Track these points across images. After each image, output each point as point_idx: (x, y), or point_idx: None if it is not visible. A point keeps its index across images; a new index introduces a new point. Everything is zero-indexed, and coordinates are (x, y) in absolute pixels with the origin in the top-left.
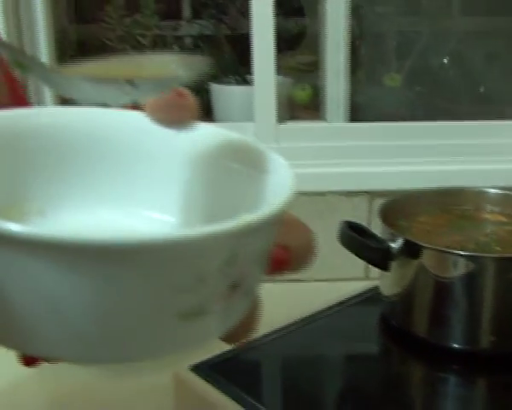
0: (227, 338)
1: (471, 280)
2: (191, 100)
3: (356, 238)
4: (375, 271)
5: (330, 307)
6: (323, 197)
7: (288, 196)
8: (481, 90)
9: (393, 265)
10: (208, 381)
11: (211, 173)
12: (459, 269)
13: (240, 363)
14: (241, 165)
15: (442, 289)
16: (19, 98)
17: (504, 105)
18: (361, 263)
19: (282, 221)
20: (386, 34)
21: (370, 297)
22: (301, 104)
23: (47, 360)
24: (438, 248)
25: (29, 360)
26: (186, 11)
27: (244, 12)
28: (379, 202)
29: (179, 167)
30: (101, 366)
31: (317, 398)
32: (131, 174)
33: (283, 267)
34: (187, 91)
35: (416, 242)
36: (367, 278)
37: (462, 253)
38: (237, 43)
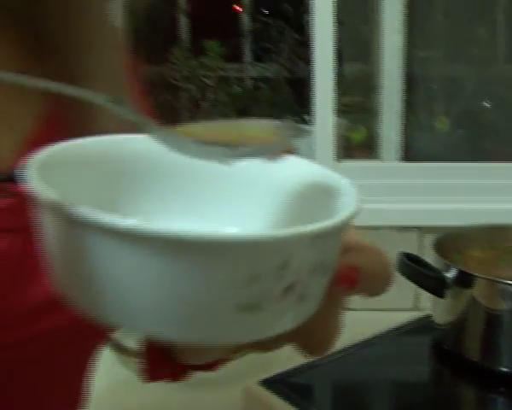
0: (306, 348)
1: None
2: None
3: (414, 267)
4: (423, 302)
5: (383, 334)
6: (377, 231)
7: (351, 213)
8: None
9: (447, 293)
10: (277, 395)
11: (294, 201)
12: (509, 298)
13: (304, 380)
14: (320, 193)
15: (493, 318)
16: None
17: None
18: (410, 294)
19: (342, 235)
20: (436, 79)
21: (421, 326)
22: (355, 144)
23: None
24: (490, 277)
25: (154, 376)
26: (248, 55)
27: (302, 57)
28: (428, 237)
29: (269, 195)
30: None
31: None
32: (227, 198)
33: (351, 286)
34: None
35: (470, 272)
36: (416, 308)
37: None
38: (295, 85)
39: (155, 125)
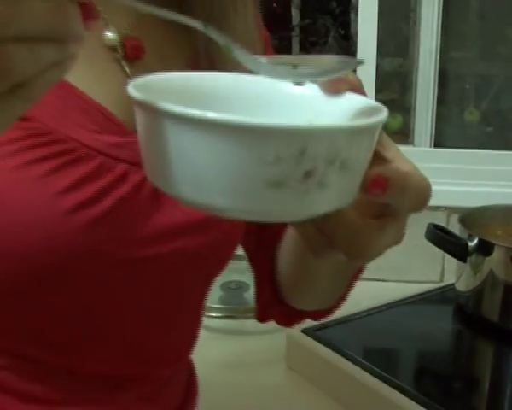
0: (350, 254)
1: None
2: (351, 78)
3: (441, 235)
4: (449, 276)
5: (411, 297)
6: None
7: (366, 123)
8: None
9: (469, 260)
10: (316, 340)
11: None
12: None
13: (339, 330)
14: (360, 115)
15: (510, 282)
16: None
17: None
18: (438, 268)
19: (364, 141)
20: (468, 76)
21: (446, 293)
22: (392, 131)
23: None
24: (506, 245)
25: (263, 316)
26: (296, 47)
27: (347, 51)
28: (455, 216)
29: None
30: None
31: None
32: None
33: (380, 191)
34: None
35: (489, 240)
36: (441, 281)
37: None
38: None
39: (239, 48)
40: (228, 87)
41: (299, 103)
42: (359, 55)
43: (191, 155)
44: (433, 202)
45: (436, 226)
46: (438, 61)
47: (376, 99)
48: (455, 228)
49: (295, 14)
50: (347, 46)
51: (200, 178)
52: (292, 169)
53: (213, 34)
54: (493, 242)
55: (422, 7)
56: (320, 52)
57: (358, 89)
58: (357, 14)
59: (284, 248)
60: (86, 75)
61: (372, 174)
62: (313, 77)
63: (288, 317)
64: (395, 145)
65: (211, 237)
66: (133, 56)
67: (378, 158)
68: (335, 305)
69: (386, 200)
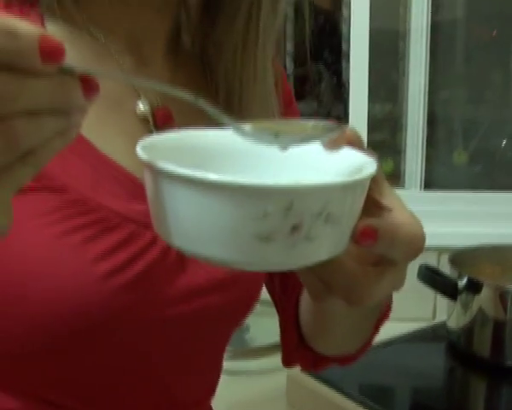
0: (348, 300)
1: None
2: (348, 133)
3: (432, 275)
4: (441, 314)
5: (404, 336)
6: None
7: (349, 181)
8: None
9: (459, 298)
10: (314, 377)
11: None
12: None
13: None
14: (352, 169)
15: (499, 319)
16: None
17: None
18: (430, 306)
19: (351, 196)
20: (456, 118)
21: (438, 330)
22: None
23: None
24: (496, 283)
25: (288, 361)
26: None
27: (338, 97)
28: (445, 256)
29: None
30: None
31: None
32: (277, 171)
33: (369, 243)
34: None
35: (478, 279)
36: (434, 319)
37: None
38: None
39: (227, 117)
40: (220, 143)
41: (288, 158)
42: (352, 101)
43: (185, 210)
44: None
45: (427, 267)
46: (426, 106)
47: (368, 142)
48: (445, 267)
49: (289, 62)
50: (340, 93)
51: (194, 231)
52: (279, 224)
53: (203, 105)
54: (482, 280)
55: (411, 54)
56: (316, 97)
57: (355, 142)
58: (348, 62)
59: (304, 295)
60: (118, 145)
61: (361, 226)
62: (296, 143)
63: (312, 362)
64: (394, 193)
65: (231, 295)
66: (163, 125)
67: (375, 206)
68: (361, 350)
69: (377, 250)
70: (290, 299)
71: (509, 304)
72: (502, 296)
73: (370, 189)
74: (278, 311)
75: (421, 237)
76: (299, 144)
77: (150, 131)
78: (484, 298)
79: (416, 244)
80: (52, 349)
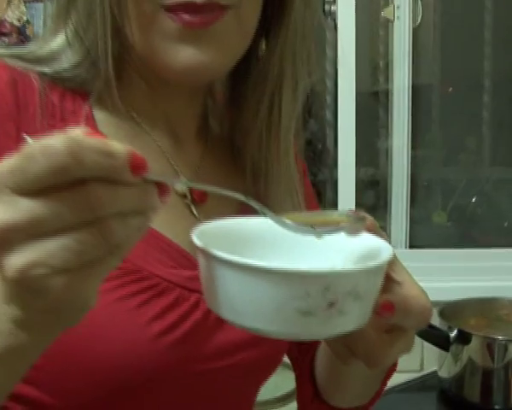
0: (366, 362)
1: (509, 361)
2: (368, 222)
3: (425, 329)
4: (428, 364)
5: (397, 385)
6: None
7: (365, 269)
8: (505, 224)
9: (451, 349)
10: None
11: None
12: (498, 351)
13: None
14: (370, 256)
15: (487, 367)
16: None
17: None
18: (417, 358)
19: (373, 278)
20: (434, 181)
21: (428, 380)
22: None
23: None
24: (484, 335)
25: None
26: None
27: (324, 163)
28: (433, 309)
29: (338, 254)
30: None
31: None
32: (311, 257)
33: (389, 315)
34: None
35: (467, 331)
36: (421, 369)
37: (501, 337)
38: (317, 186)
39: (271, 212)
40: (261, 229)
41: (317, 242)
42: (340, 166)
43: (236, 290)
44: None
45: None
46: (409, 169)
47: (356, 204)
48: (434, 320)
49: None
50: (324, 158)
51: (244, 307)
52: (318, 301)
53: (252, 202)
54: (471, 332)
55: (394, 123)
56: None
57: (373, 229)
58: (331, 129)
59: (321, 354)
60: (163, 218)
61: (381, 301)
62: (329, 233)
63: None
64: (405, 269)
65: (263, 350)
66: (199, 201)
67: (390, 281)
68: (371, 402)
69: (393, 320)
70: (306, 356)
71: (495, 353)
72: (489, 346)
73: None
74: (294, 367)
75: (429, 309)
76: (332, 234)
77: (188, 206)
78: (473, 348)
79: (425, 315)
80: (105, 401)
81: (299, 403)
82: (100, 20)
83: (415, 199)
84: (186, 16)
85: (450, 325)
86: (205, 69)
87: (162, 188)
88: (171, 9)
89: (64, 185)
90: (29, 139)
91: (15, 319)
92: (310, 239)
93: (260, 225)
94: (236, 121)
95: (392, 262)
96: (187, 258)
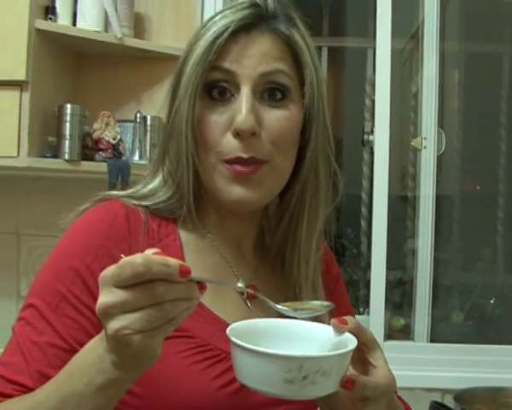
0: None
1: None
2: (350, 325)
3: (441, 409)
4: None
5: None
6: (411, 391)
7: (343, 354)
8: None
9: None
10: None
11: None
12: None
13: None
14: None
15: None
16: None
17: None
18: None
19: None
20: (453, 285)
21: None
22: (397, 330)
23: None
24: None
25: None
26: None
27: (359, 266)
28: (448, 396)
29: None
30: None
31: None
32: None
33: (350, 387)
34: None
35: None
36: None
37: None
38: (353, 286)
39: (270, 301)
40: (277, 327)
41: (309, 334)
42: (373, 268)
43: (247, 365)
44: (430, 384)
45: (437, 402)
46: (432, 273)
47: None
48: (450, 403)
49: None
50: (359, 261)
51: (252, 376)
52: (296, 375)
53: (258, 295)
54: None
55: (419, 230)
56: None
57: (356, 331)
58: (365, 237)
59: None
60: (226, 310)
61: (346, 377)
62: (308, 314)
63: None
64: (382, 355)
65: (293, 407)
66: (252, 298)
67: (368, 364)
68: None
69: (356, 392)
70: None
71: None
72: None
73: (364, 352)
74: None
75: (392, 386)
76: (310, 315)
77: (244, 301)
78: None
79: (388, 390)
80: None
81: None
82: (185, 166)
83: (437, 302)
84: (237, 167)
85: (463, 408)
86: (249, 203)
87: (201, 285)
88: (227, 162)
89: (141, 283)
90: (123, 256)
91: (113, 361)
92: (303, 331)
93: (280, 323)
94: (286, 238)
95: (372, 348)
96: None
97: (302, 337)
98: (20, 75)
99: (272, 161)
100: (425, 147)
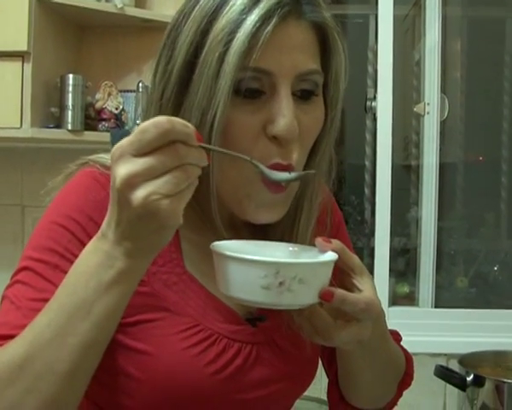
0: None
1: None
2: (335, 245)
3: (446, 372)
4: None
5: None
6: (416, 357)
7: (319, 263)
8: None
9: (467, 391)
10: None
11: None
12: (510, 392)
13: None
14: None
15: (499, 407)
16: None
17: None
18: (440, 402)
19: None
20: (457, 251)
21: None
22: (401, 296)
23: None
24: (496, 378)
25: None
26: None
27: (362, 232)
28: (452, 361)
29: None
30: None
31: None
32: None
33: (328, 299)
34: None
35: (482, 375)
36: None
37: (511, 381)
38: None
39: (262, 166)
40: (265, 246)
41: (295, 255)
42: (377, 235)
43: (230, 272)
44: (435, 349)
45: (442, 366)
46: (436, 240)
47: (390, 270)
48: (454, 366)
49: None
50: (363, 228)
51: (233, 284)
52: (272, 281)
53: (254, 161)
54: (485, 376)
55: (423, 198)
56: None
57: (337, 251)
58: (369, 204)
59: (338, 362)
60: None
61: (324, 289)
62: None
63: None
64: (370, 281)
65: (287, 385)
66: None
67: (353, 286)
68: (388, 408)
69: (333, 305)
70: (333, 365)
71: (505, 394)
72: (500, 388)
73: (351, 277)
74: (327, 375)
75: (374, 307)
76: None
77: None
78: (487, 390)
79: (370, 311)
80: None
81: (329, 405)
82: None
83: (441, 268)
84: (274, 187)
85: (468, 370)
86: (271, 220)
87: (209, 154)
88: (266, 183)
89: (164, 146)
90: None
91: (126, 251)
92: (292, 254)
93: (268, 244)
94: None
95: (359, 273)
96: (233, 315)
97: (287, 256)
98: (22, 46)
99: (299, 164)
100: (428, 112)
